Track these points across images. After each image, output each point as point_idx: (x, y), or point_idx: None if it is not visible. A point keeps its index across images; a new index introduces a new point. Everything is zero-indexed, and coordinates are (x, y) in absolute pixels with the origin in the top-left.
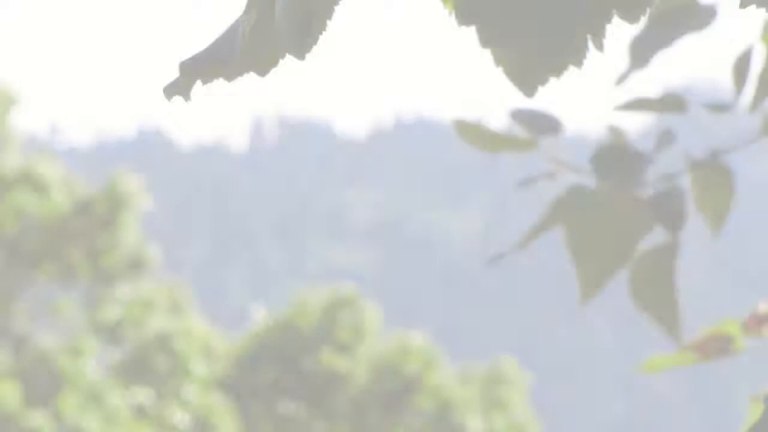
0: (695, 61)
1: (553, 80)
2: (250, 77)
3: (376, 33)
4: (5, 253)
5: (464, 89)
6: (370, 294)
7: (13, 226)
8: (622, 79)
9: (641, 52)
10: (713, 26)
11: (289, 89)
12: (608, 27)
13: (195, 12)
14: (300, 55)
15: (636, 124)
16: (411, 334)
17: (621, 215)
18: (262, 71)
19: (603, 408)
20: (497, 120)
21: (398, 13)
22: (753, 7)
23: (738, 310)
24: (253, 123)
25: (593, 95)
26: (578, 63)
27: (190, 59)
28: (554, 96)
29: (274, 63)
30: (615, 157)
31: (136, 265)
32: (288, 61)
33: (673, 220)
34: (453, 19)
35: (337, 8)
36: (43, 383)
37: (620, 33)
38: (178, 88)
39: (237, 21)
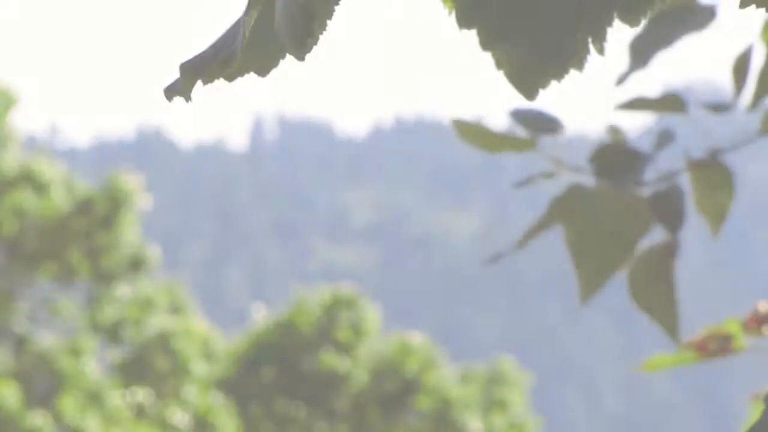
0: (695, 62)
1: (554, 83)
2: (251, 77)
3: (376, 33)
4: (5, 253)
5: (464, 89)
6: (369, 294)
7: (12, 225)
8: (622, 80)
9: (641, 53)
10: (713, 26)
11: (290, 89)
12: (609, 30)
13: (195, 12)
14: (300, 55)
15: (636, 124)
16: (411, 334)
17: (620, 214)
18: (263, 71)
19: (603, 408)
20: (497, 120)
21: (398, 13)
22: (753, 7)
23: (738, 310)
24: (253, 123)
25: (593, 95)
26: (579, 66)
27: (190, 60)
28: (554, 96)
29: (274, 63)
30: (614, 157)
31: (135, 265)
32: (288, 61)
33: (673, 219)
34: (454, 22)
35: (337, 8)
36: (42, 383)
37: (620, 33)
38: (179, 89)
39: (237, 21)
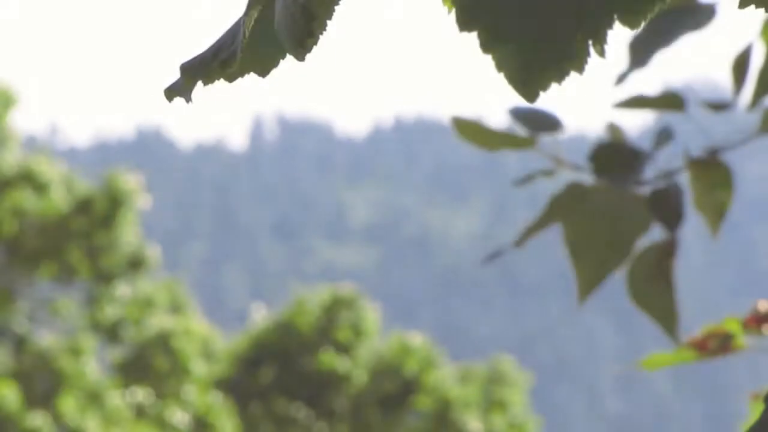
0: (694, 61)
1: (554, 86)
2: (251, 78)
3: (376, 33)
4: (4, 253)
5: (464, 89)
6: (369, 294)
7: (12, 225)
8: (622, 79)
9: (641, 52)
10: (712, 25)
11: (290, 89)
12: (609, 32)
13: (195, 12)
14: (300, 56)
15: (636, 124)
16: (410, 334)
17: (619, 213)
18: (263, 72)
19: (602, 408)
20: (497, 120)
21: (398, 13)
22: (752, 7)
23: (738, 309)
24: (253, 122)
25: (593, 94)
26: (579, 69)
27: (190, 60)
28: (554, 95)
29: (274, 64)
30: (613, 155)
31: (135, 265)
32: (288, 62)
33: (672, 218)
34: (454, 24)
35: (337, 8)
36: (42, 383)
37: (620, 32)
38: (179, 90)
39: (237, 22)
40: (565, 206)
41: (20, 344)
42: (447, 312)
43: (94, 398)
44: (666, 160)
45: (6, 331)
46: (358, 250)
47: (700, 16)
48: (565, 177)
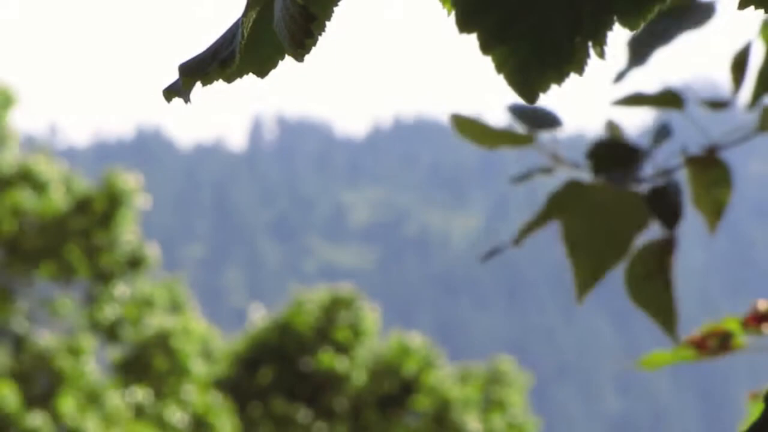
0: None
1: (554, 87)
2: (250, 78)
3: (375, 33)
4: (4, 252)
5: (463, 90)
6: (368, 294)
7: (11, 224)
8: (621, 77)
9: (640, 50)
10: (712, 24)
11: (289, 89)
12: (609, 34)
13: (195, 12)
14: (299, 57)
15: (635, 123)
16: (409, 334)
17: (617, 211)
18: (261, 73)
19: (602, 407)
20: (497, 119)
21: (398, 13)
22: (751, 7)
23: (737, 308)
24: (253, 123)
25: (592, 94)
26: (579, 70)
27: (189, 61)
28: (553, 94)
29: (273, 64)
30: (611, 153)
31: (134, 264)
32: (287, 62)
33: (670, 216)
34: (454, 26)
35: (336, 8)
36: (41, 383)
37: (620, 31)
38: (178, 90)
39: (236, 22)
40: (564, 204)
41: (19, 344)
42: (446, 312)
43: (93, 398)
44: (664, 158)
45: (5, 331)
46: (357, 250)
47: (699, 15)
48: (564, 175)
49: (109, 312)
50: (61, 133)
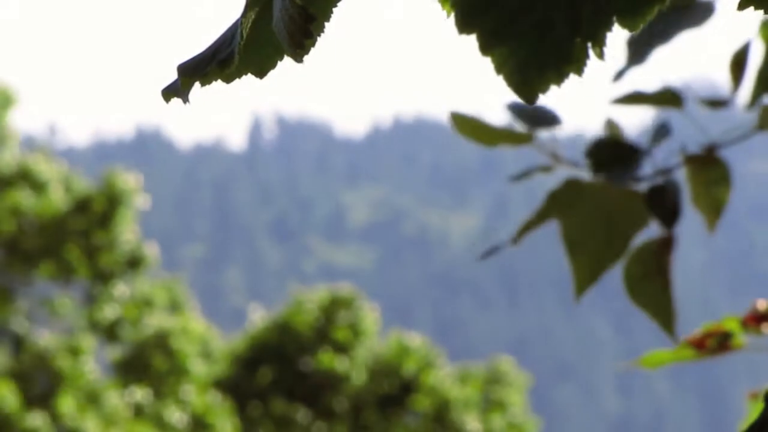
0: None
1: (553, 88)
2: (248, 78)
3: (375, 33)
4: (3, 252)
5: (463, 90)
6: (367, 294)
7: (10, 224)
8: (620, 75)
9: (639, 49)
10: (711, 23)
11: (288, 89)
12: (608, 35)
13: (194, 12)
14: (298, 57)
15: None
16: (409, 334)
17: (616, 209)
18: (260, 73)
19: (601, 407)
20: (496, 119)
21: (398, 13)
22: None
23: (736, 308)
24: (252, 123)
25: (592, 93)
26: (579, 71)
27: (188, 61)
28: (552, 94)
29: (272, 65)
30: (610, 151)
31: (133, 264)
32: (286, 62)
33: (669, 214)
34: (453, 27)
35: (335, 8)
36: (41, 383)
37: (619, 30)
38: (177, 91)
39: (235, 23)
40: (563, 202)
41: (19, 344)
42: (446, 312)
43: (92, 398)
44: (664, 157)
45: (5, 331)
46: (356, 250)
47: (699, 14)
48: (563, 174)
49: (108, 312)
50: (61, 133)
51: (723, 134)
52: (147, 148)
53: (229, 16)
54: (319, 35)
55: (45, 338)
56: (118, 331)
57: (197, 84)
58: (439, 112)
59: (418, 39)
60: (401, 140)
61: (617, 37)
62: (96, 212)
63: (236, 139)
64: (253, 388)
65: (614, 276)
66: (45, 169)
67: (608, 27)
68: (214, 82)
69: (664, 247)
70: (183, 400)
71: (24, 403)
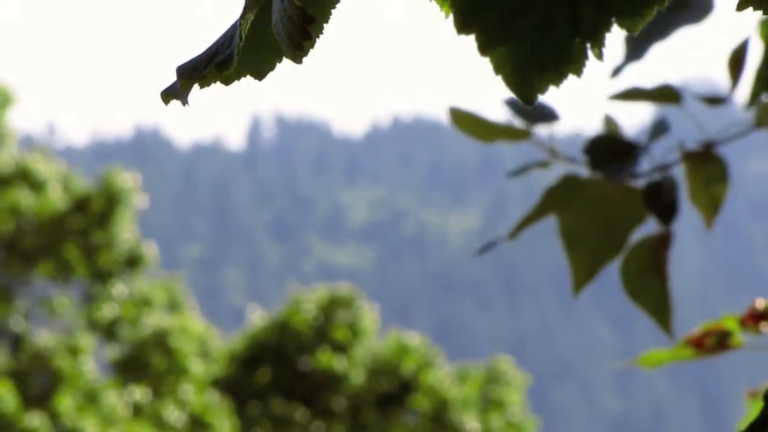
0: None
1: (552, 88)
2: (248, 80)
3: (374, 33)
4: (1, 252)
5: (462, 89)
6: (366, 293)
7: (9, 224)
8: (617, 71)
9: (637, 45)
10: (710, 20)
11: (287, 88)
12: (608, 35)
13: (193, 12)
14: (297, 59)
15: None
16: (408, 333)
17: (614, 205)
18: (259, 75)
19: (600, 407)
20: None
21: (396, 13)
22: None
23: (735, 307)
24: (251, 122)
25: (590, 92)
26: (578, 72)
27: (187, 63)
28: (551, 93)
29: (271, 66)
30: (608, 148)
31: (132, 263)
32: (285, 62)
33: (666, 211)
34: (452, 27)
35: (334, 9)
36: (39, 382)
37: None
38: (176, 93)
39: (234, 24)
40: (561, 198)
41: (17, 343)
42: (444, 311)
43: (91, 397)
44: (661, 153)
45: (3, 330)
46: (355, 249)
47: (697, 11)
48: (561, 171)
49: (107, 311)
50: (59, 133)
51: (721, 131)
52: (146, 148)
53: (227, 16)
54: (318, 37)
55: (44, 338)
56: (117, 331)
57: (196, 86)
58: (438, 111)
59: (417, 39)
60: (400, 140)
61: (615, 34)
62: (95, 211)
63: (235, 139)
64: (251, 388)
65: (613, 275)
66: (43, 168)
67: (608, 28)
68: (212, 84)
69: (661, 243)
70: (182, 399)
71: (22, 402)
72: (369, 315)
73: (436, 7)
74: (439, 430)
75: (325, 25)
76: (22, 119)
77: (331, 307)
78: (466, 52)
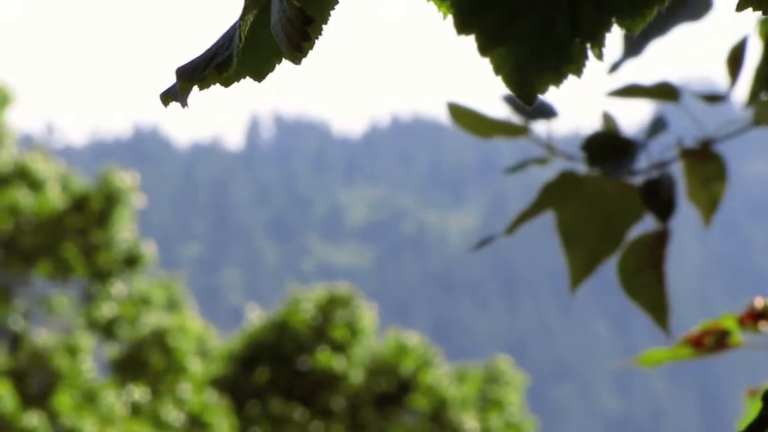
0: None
1: (552, 89)
2: (247, 81)
3: (373, 33)
4: (0, 251)
5: (461, 89)
6: (365, 293)
7: (8, 223)
8: (615, 67)
9: (635, 41)
10: (709, 17)
11: (286, 88)
12: (608, 36)
13: (193, 12)
14: (297, 60)
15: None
16: (407, 333)
17: (612, 202)
18: (258, 76)
19: (599, 407)
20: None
21: (396, 13)
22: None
23: (734, 307)
24: (250, 122)
25: (589, 91)
26: (578, 72)
27: (186, 65)
28: (550, 92)
29: (270, 68)
30: (606, 145)
31: (131, 262)
32: (285, 63)
33: (663, 208)
34: (452, 27)
35: (333, 10)
36: (38, 381)
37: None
38: (175, 94)
39: (233, 25)
40: (558, 194)
41: (16, 342)
42: (443, 311)
43: (90, 396)
44: (659, 150)
45: (2, 330)
46: (354, 249)
47: (696, 8)
48: (559, 168)
49: (106, 310)
50: (58, 132)
51: (719, 129)
52: (144, 147)
53: (227, 16)
54: (317, 38)
55: (42, 337)
56: (116, 330)
57: (196, 87)
58: (437, 111)
59: (416, 38)
60: (399, 139)
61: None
62: (93, 211)
63: (234, 138)
64: (250, 387)
65: (611, 275)
66: (42, 167)
67: (608, 28)
68: (212, 86)
69: (658, 240)
70: (180, 398)
71: (21, 401)
72: (368, 314)
73: (435, 7)
74: (438, 430)
75: (324, 26)
76: (21, 119)
77: (330, 306)
78: (466, 51)
